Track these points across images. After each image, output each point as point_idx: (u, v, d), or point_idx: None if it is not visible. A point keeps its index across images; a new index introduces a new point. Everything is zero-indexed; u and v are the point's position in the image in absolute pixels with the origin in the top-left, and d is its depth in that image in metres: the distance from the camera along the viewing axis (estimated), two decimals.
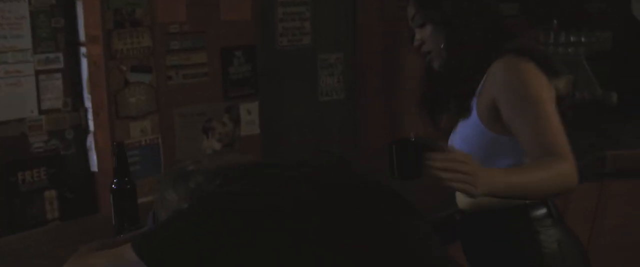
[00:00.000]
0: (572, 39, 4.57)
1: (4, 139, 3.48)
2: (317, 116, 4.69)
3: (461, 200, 1.99)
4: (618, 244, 3.10)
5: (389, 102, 4.84)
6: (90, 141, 3.78)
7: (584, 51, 5.09)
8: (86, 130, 3.79)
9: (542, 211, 1.87)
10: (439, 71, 1.93)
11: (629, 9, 4.72)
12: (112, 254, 1.54)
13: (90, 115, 3.74)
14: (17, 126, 3.52)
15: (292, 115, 4.57)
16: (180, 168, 1.65)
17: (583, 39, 4.63)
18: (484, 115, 1.79)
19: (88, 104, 3.73)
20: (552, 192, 1.67)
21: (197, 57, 3.97)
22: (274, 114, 4.45)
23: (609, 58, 4.89)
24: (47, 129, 3.62)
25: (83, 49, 3.65)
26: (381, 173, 1.56)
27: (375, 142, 4.89)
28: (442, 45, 1.87)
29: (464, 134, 1.86)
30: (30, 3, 3.47)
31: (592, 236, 3.10)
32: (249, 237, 1.37)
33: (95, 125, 3.70)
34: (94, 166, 3.80)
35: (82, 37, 3.64)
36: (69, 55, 3.65)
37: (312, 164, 1.61)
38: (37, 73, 3.54)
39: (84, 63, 3.68)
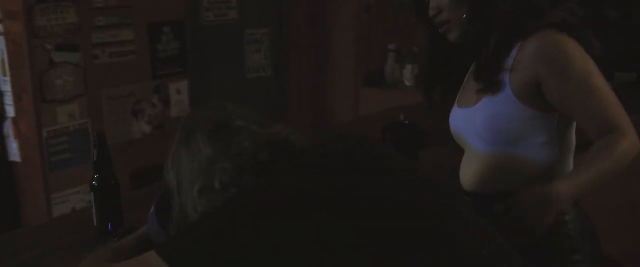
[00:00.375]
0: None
1: None
2: (244, 94, 4.49)
3: (467, 182, 1.90)
4: None
5: (316, 79, 4.71)
6: (8, 128, 3.44)
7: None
8: (2, 116, 3.44)
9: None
10: (458, 43, 1.81)
11: None
12: (133, 264, 1.34)
13: (8, 100, 3.39)
14: None
15: (220, 93, 4.35)
16: (224, 116, 1.43)
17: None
18: (520, 92, 1.69)
19: (5, 87, 3.38)
20: (621, 172, 1.61)
21: (124, 33, 3.69)
22: (202, 93, 4.22)
23: None
24: None
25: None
26: None
27: (303, 119, 4.76)
28: (464, 15, 1.75)
29: (493, 111, 1.75)
30: None
31: None
32: (295, 247, 1.21)
33: (16, 110, 3.36)
34: (14, 155, 3.46)
35: None
36: None
37: (357, 151, 1.44)
38: None
39: (0, 41, 3.32)
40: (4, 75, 3.36)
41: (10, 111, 3.40)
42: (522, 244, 1.43)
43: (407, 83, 4.62)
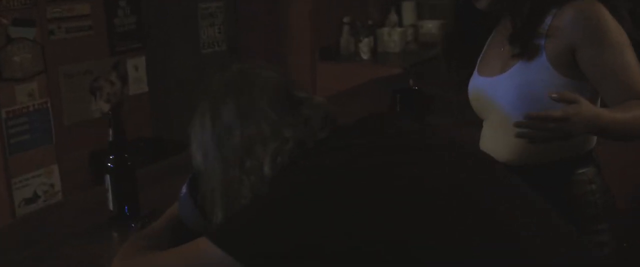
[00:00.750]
0: None
1: None
2: (199, 70, 4.36)
3: (497, 154, 1.88)
4: None
5: (272, 53, 4.61)
6: None
7: None
8: None
9: (590, 163, 1.82)
10: (487, 9, 1.78)
11: None
12: (184, 252, 1.25)
13: None
14: None
15: (175, 70, 4.21)
16: (280, 82, 1.32)
17: None
18: (556, 59, 1.68)
19: None
20: None
21: (80, 7, 3.50)
22: (158, 70, 4.06)
23: None
24: None
25: None
26: None
27: None
28: None
29: (528, 78, 1.73)
30: None
31: None
32: (355, 231, 1.15)
33: None
34: None
35: None
36: None
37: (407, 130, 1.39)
38: None
39: None
40: None
41: None
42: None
43: (364, 56, 4.58)
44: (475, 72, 1.90)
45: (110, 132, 1.70)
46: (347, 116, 1.38)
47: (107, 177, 1.72)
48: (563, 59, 1.68)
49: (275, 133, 1.27)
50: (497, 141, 1.82)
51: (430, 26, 5.04)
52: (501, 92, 1.75)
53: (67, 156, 3.45)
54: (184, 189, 1.45)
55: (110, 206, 1.74)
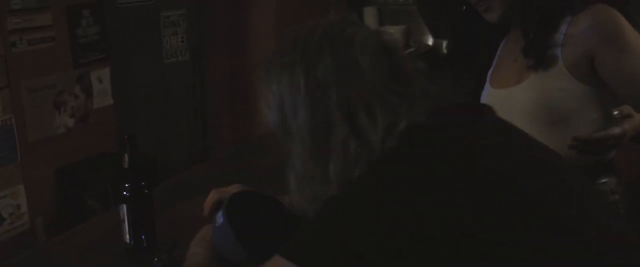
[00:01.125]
0: None
1: None
2: (162, 80, 4.20)
3: None
4: None
5: (237, 62, 4.48)
6: None
7: (415, 0, 5.16)
8: None
9: (611, 173, 1.80)
10: (498, 21, 1.75)
11: None
12: None
13: None
14: None
15: (139, 81, 4.04)
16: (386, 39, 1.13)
17: None
18: (574, 67, 1.67)
19: None
20: None
21: (42, 18, 3.31)
22: (123, 81, 3.89)
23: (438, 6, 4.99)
24: None
25: None
26: None
27: (224, 105, 4.54)
28: None
29: (545, 87, 1.70)
30: None
31: None
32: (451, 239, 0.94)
33: None
34: None
35: None
36: None
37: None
38: None
39: None
40: None
41: None
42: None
43: None
44: (487, 84, 1.87)
45: (126, 157, 1.56)
46: None
47: (123, 207, 1.58)
48: (582, 66, 1.67)
49: (386, 104, 1.06)
50: None
51: (392, 32, 4.98)
52: (517, 103, 1.72)
53: (32, 175, 3.26)
54: (220, 218, 1.32)
55: (126, 238, 1.60)
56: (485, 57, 1.95)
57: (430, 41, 5.13)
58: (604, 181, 1.75)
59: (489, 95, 1.84)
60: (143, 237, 1.61)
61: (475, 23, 1.85)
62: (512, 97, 1.74)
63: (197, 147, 4.45)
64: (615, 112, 1.47)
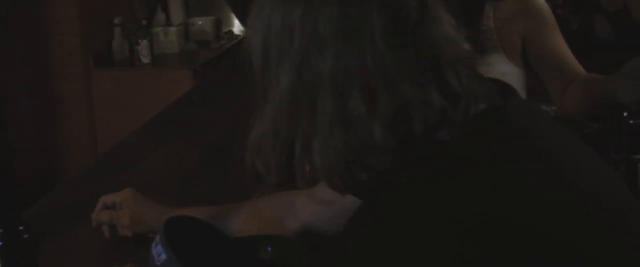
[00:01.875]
0: None
1: None
2: None
3: None
4: None
5: (37, 62, 4.06)
6: None
7: None
8: None
9: None
10: None
11: None
12: None
13: None
14: None
15: None
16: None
17: None
18: (510, 50, 1.70)
19: None
20: None
21: None
22: None
23: None
24: None
25: None
26: None
27: (27, 112, 4.10)
28: None
29: (488, 74, 1.71)
30: None
31: None
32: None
33: None
34: None
35: None
36: None
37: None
38: None
39: None
40: None
41: None
42: None
43: (144, 60, 4.22)
44: None
45: None
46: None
47: None
48: (515, 49, 1.71)
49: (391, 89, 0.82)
50: None
51: (201, 23, 4.82)
52: None
53: None
54: (161, 254, 1.12)
55: None
56: None
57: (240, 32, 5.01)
58: None
59: None
60: None
61: None
62: None
63: None
64: None
